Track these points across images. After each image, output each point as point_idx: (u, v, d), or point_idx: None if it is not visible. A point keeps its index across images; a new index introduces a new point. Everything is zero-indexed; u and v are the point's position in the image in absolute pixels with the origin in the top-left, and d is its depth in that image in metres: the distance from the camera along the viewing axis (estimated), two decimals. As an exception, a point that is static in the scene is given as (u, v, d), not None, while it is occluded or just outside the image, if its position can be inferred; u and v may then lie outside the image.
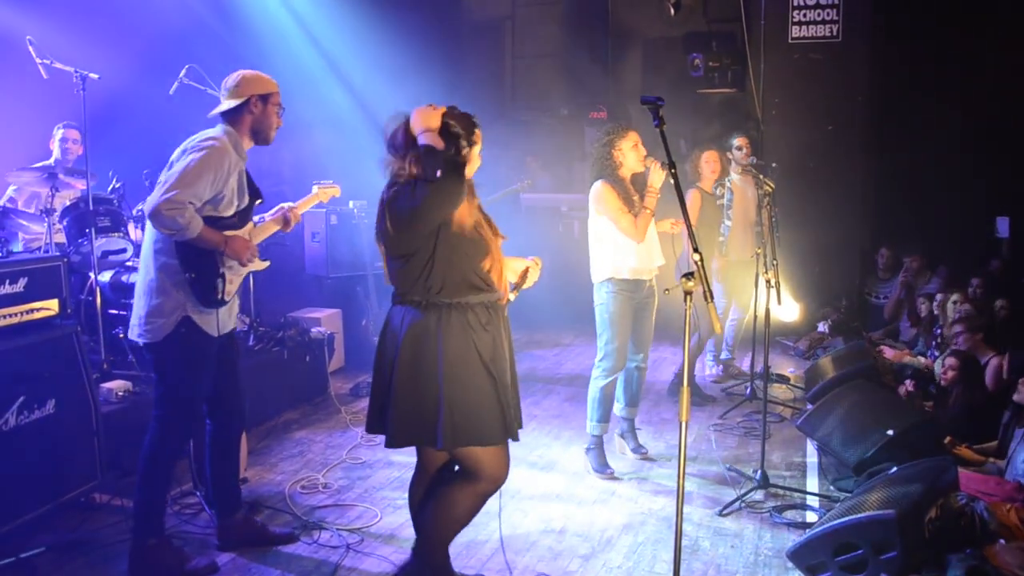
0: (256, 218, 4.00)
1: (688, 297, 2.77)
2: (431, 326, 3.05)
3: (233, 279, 3.71)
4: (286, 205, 4.14)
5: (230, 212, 3.64)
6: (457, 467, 3.31)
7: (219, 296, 3.61)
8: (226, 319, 3.76)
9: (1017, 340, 5.69)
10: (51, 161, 5.82)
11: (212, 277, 3.59)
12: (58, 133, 5.97)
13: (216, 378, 3.78)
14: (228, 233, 3.62)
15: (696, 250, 2.80)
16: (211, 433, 3.94)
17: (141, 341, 3.62)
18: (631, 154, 4.85)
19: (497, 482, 3.22)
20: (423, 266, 3.05)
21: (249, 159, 3.79)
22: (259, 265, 3.92)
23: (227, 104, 3.67)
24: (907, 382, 5.66)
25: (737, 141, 6.87)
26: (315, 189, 4.39)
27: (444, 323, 3.05)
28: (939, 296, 6.74)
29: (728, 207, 6.80)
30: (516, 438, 3.22)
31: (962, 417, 5.17)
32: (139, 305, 3.62)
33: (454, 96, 3.09)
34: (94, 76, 5.03)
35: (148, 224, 3.57)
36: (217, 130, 3.67)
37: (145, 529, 3.67)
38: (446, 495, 3.22)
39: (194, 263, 3.55)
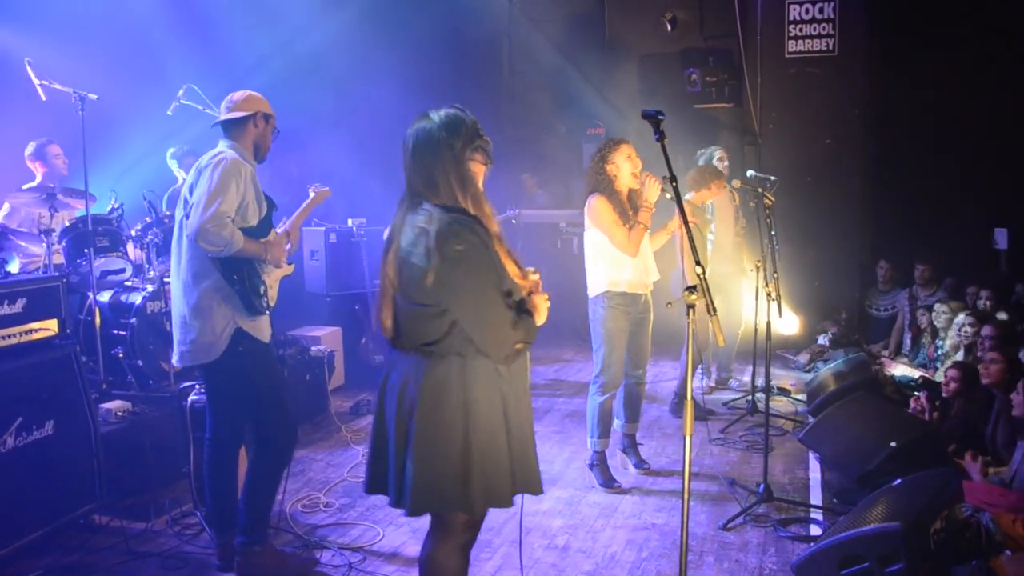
0: (279, 227, 4.07)
1: (691, 310, 2.76)
2: (453, 372, 2.63)
3: (273, 284, 3.84)
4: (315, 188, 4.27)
5: (255, 221, 3.74)
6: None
7: (265, 303, 3.75)
8: (267, 329, 3.85)
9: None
10: (36, 182, 5.76)
11: (255, 285, 3.72)
12: (49, 150, 5.75)
13: None
14: (264, 240, 3.76)
15: (698, 263, 2.79)
16: (214, 448, 3.94)
17: (205, 360, 3.70)
18: (625, 166, 4.84)
19: (474, 530, 2.89)
20: (452, 317, 2.62)
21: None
22: (288, 269, 4.04)
23: (232, 114, 3.76)
24: (921, 394, 5.61)
25: (718, 153, 6.94)
26: (311, 193, 4.38)
27: (471, 371, 2.64)
28: (940, 307, 6.73)
29: (711, 220, 6.83)
30: (536, 491, 2.83)
31: (963, 429, 5.15)
32: (186, 330, 3.69)
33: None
34: (93, 96, 5.05)
35: (180, 252, 3.70)
36: (221, 145, 3.77)
37: (251, 538, 3.80)
38: (431, 563, 2.82)
39: (236, 275, 3.65)
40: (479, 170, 2.75)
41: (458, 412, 2.63)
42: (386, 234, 2.75)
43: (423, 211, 2.61)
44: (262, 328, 3.76)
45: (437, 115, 2.68)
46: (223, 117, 3.79)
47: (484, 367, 2.66)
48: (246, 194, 3.67)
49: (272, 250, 3.77)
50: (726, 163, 6.94)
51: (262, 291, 3.74)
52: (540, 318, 2.74)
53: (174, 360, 3.81)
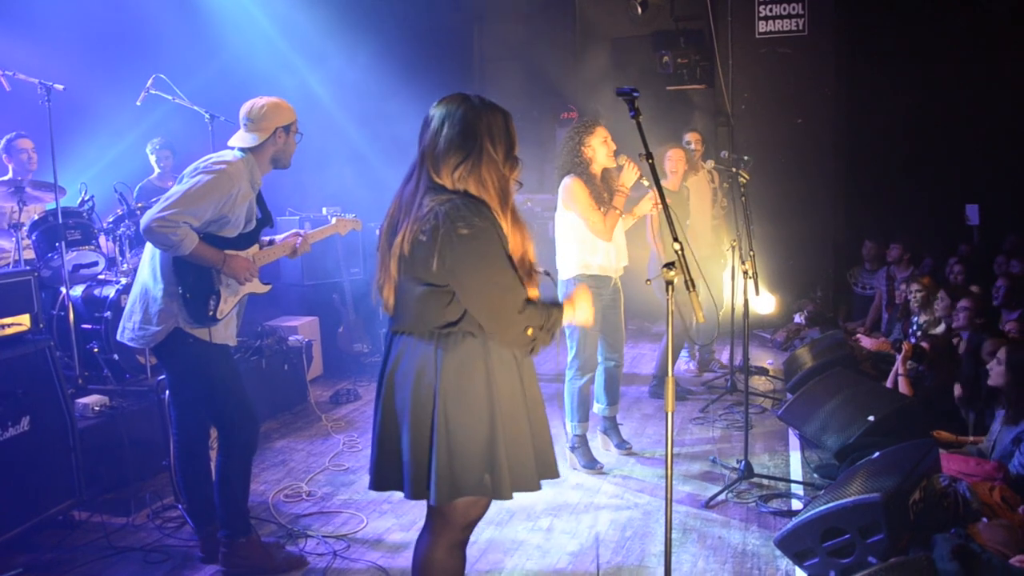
0: (266, 239, 3.97)
1: (670, 287, 2.76)
2: (475, 356, 2.56)
3: (228, 298, 3.69)
4: (298, 232, 4.05)
5: (234, 234, 3.65)
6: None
7: (210, 314, 3.61)
8: (222, 335, 3.72)
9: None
10: (6, 176, 5.67)
11: (205, 294, 3.59)
12: (16, 144, 5.66)
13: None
14: (229, 252, 3.62)
15: (676, 239, 2.80)
16: (181, 439, 3.92)
17: (132, 345, 3.68)
18: (601, 149, 4.83)
19: (471, 528, 2.78)
20: None
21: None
22: (259, 288, 3.87)
23: (250, 139, 3.64)
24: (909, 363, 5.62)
25: (688, 137, 6.94)
26: (333, 220, 4.25)
27: (493, 353, 2.59)
28: (914, 286, 6.79)
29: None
30: (554, 475, 2.77)
31: (937, 401, 5.21)
32: (135, 310, 3.64)
33: (424, 100, 2.96)
34: (59, 87, 4.96)
35: None
36: (233, 154, 3.65)
37: (233, 530, 3.76)
38: (425, 560, 2.72)
39: (187, 278, 3.55)
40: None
41: (482, 396, 2.57)
42: (392, 211, 2.64)
43: (435, 191, 2.55)
44: (207, 333, 3.63)
45: (479, 100, 2.62)
46: (243, 144, 3.65)
47: (503, 350, 2.61)
48: (231, 211, 3.57)
49: (231, 263, 3.59)
50: (694, 147, 6.93)
51: (212, 301, 3.59)
52: (578, 315, 2.73)
53: (122, 336, 3.71)
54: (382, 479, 2.69)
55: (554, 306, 2.65)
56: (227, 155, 3.64)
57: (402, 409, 2.61)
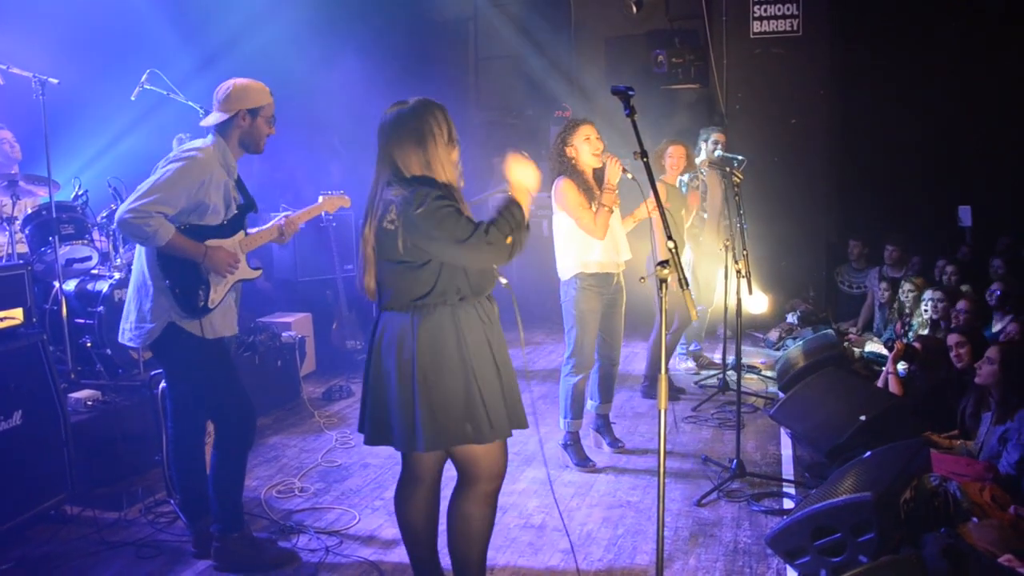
0: (254, 230, 3.96)
1: (663, 285, 2.77)
2: (446, 322, 2.94)
3: (218, 287, 3.68)
4: (285, 214, 4.04)
5: (216, 222, 3.64)
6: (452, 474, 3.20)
7: (201, 304, 3.60)
8: (219, 324, 3.71)
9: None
10: None
11: (194, 285, 3.58)
12: None
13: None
14: (212, 242, 3.61)
15: (670, 238, 2.81)
16: (176, 434, 3.92)
17: (132, 344, 3.70)
18: (584, 147, 4.84)
19: (497, 478, 3.14)
20: (436, 271, 2.94)
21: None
22: (249, 274, 3.86)
23: (215, 118, 3.65)
24: (900, 365, 5.64)
25: (715, 136, 7.00)
26: (320, 199, 4.22)
27: (462, 318, 2.96)
28: (907, 286, 6.82)
29: (703, 200, 6.87)
30: (524, 425, 3.16)
31: (927, 401, 5.24)
32: (130, 309, 3.66)
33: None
34: (54, 81, 4.95)
35: None
36: (204, 141, 3.66)
37: (227, 525, 3.77)
38: (459, 514, 3.13)
39: (173, 271, 3.55)
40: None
41: (455, 355, 2.94)
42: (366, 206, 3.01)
43: (391, 184, 2.95)
44: (205, 326, 3.63)
45: (415, 101, 3.01)
46: (206, 122, 3.66)
47: (471, 314, 2.99)
48: (207, 197, 3.56)
49: (212, 256, 3.58)
50: (721, 146, 7.02)
51: (200, 292, 3.59)
52: (526, 181, 3.08)
53: (122, 338, 3.72)
54: (375, 435, 3.08)
55: (510, 205, 2.99)
56: (198, 142, 3.66)
57: (388, 375, 2.99)
